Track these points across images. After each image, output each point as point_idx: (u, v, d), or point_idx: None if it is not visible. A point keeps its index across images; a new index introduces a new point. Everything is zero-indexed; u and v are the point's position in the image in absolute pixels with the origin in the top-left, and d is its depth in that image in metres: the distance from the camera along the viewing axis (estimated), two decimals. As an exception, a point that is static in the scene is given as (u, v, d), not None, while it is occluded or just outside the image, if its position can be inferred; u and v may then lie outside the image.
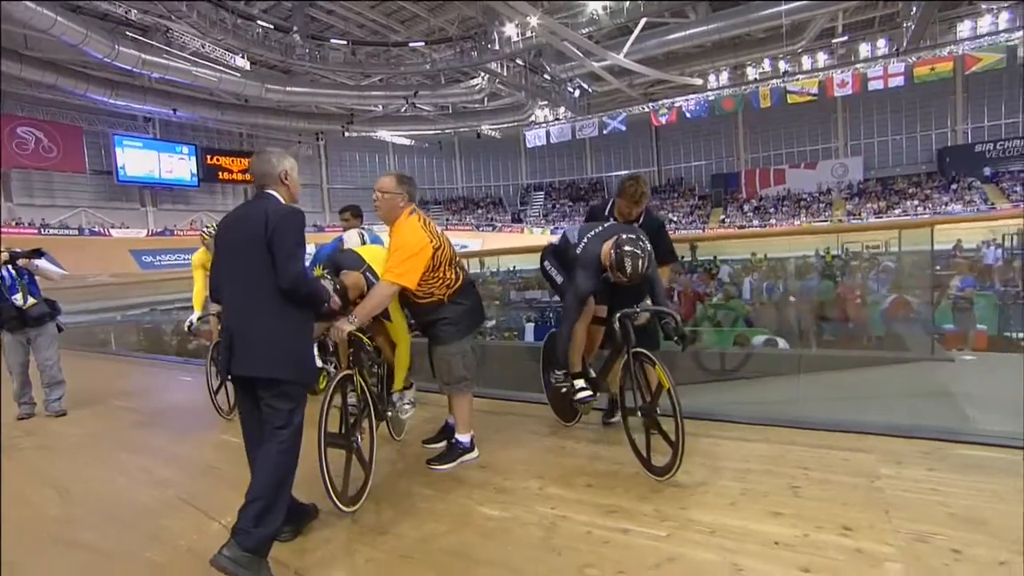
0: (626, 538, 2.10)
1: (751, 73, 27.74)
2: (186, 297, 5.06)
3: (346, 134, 36.03)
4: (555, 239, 3.43)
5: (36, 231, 25.86)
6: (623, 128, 31.89)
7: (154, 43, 22.93)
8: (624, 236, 2.75)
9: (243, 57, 25.19)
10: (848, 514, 2.14)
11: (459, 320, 2.93)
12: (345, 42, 26.66)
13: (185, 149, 32.93)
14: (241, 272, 2.14)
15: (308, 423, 2.21)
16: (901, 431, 2.94)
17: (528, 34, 22.97)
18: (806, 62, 27.10)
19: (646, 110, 31.24)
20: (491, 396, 4.27)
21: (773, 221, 31.72)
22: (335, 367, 3.64)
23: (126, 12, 20.84)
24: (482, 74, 27.79)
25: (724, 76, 27.94)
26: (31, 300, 4.57)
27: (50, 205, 28.27)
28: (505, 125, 35.02)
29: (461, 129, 36.23)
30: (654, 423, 2.66)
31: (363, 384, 2.70)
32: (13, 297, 4.50)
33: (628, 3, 21.53)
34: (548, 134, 33.08)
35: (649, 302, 2.96)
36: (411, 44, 26.56)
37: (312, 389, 3.32)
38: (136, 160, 30.68)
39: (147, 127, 31.56)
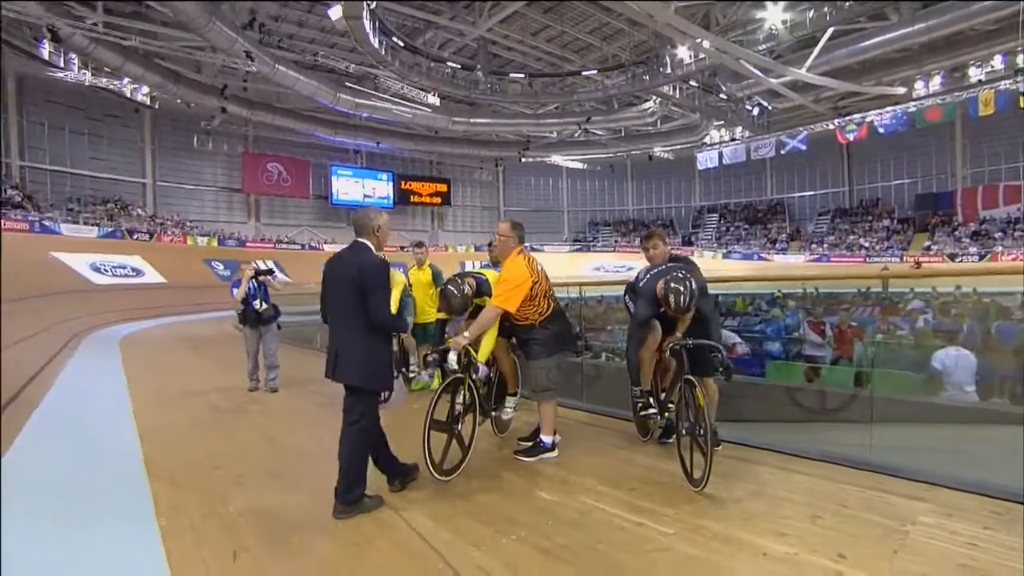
0: (639, 530, 2.56)
1: (974, 74, 23.62)
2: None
3: (522, 159, 38.55)
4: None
5: (272, 245, 32.11)
6: (802, 147, 29.32)
7: (365, 89, 27.39)
8: (672, 274, 3.25)
9: (434, 95, 28.70)
10: (852, 547, 2.33)
11: (547, 342, 3.60)
12: (523, 75, 28.81)
13: (385, 176, 38.15)
14: (341, 305, 2.96)
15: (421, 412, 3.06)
16: (987, 489, 2.86)
17: (701, 55, 22.67)
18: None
19: (830, 127, 28.40)
20: (593, 411, 4.81)
21: (999, 248, 26.47)
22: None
23: (346, 67, 25.33)
24: (654, 97, 27.92)
25: (936, 81, 24.24)
26: (264, 305, 6.28)
27: (282, 224, 34.88)
28: (678, 146, 34.49)
29: (633, 152, 36.51)
30: (695, 441, 3.04)
31: (472, 386, 3.50)
32: (254, 303, 6.23)
33: (812, 14, 20.08)
34: (720, 155, 31.73)
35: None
36: (584, 73, 27.76)
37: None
38: (346, 186, 36.45)
39: (356, 158, 37.32)
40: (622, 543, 2.44)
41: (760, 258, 33.76)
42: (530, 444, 3.72)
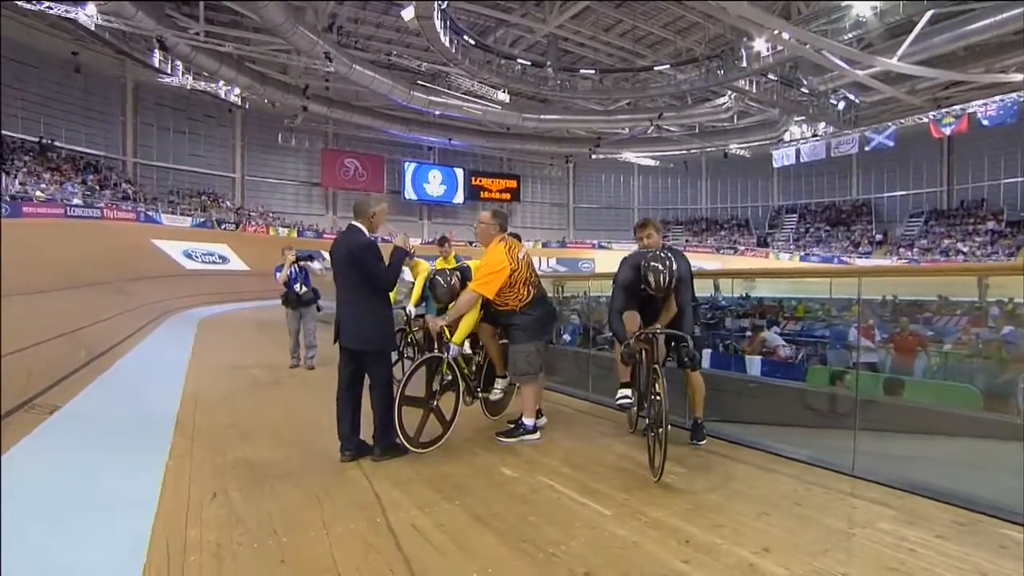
0: (579, 509, 2.64)
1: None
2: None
3: (593, 156, 38.26)
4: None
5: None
6: (890, 143, 27.06)
7: (437, 87, 28.23)
8: (652, 253, 3.31)
9: (504, 91, 29.08)
10: (783, 543, 2.29)
11: (527, 327, 3.71)
12: (593, 71, 28.59)
13: (457, 171, 39.07)
14: (342, 280, 3.40)
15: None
16: (955, 499, 2.70)
17: (780, 48, 21.57)
18: None
19: (923, 120, 26.02)
20: (598, 402, 4.87)
21: None
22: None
23: (419, 65, 26.23)
24: (729, 92, 26.86)
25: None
26: (304, 288, 6.77)
27: (356, 217, 36.66)
28: (755, 143, 32.95)
29: (708, 148, 35.30)
30: (655, 432, 3.07)
31: (452, 365, 3.69)
32: (295, 286, 6.73)
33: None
34: (797, 152, 29.95)
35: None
36: (656, 68, 27.14)
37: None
38: (418, 181, 37.66)
39: (429, 155, 38.47)
40: (554, 518, 2.53)
41: (840, 262, 31.62)
42: (512, 426, 3.86)
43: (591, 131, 35.43)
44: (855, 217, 34.32)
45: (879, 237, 32.47)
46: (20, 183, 20.48)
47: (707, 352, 8.92)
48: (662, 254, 3.30)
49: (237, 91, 26.88)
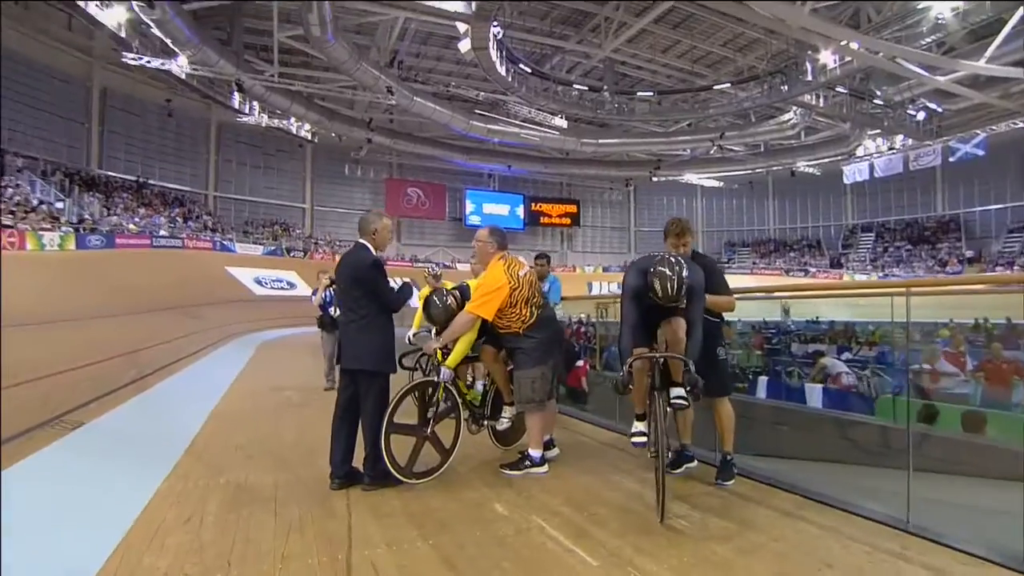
0: (563, 555, 2.35)
1: None
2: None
3: (653, 178, 37.54)
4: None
5: (410, 263, 34.62)
6: (979, 152, 24.76)
7: (495, 115, 28.75)
8: (660, 257, 2.91)
9: (561, 117, 29.17)
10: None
11: (531, 351, 3.46)
12: (651, 93, 28.21)
13: (516, 198, 39.39)
14: (345, 299, 3.32)
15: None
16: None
17: (848, 58, 20.43)
18: None
19: (1019, 125, 23.67)
20: (624, 432, 4.49)
21: None
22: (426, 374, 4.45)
23: (477, 95, 26.85)
24: (795, 108, 25.70)
25: None
26: (339, 311, 6.83)
27: (419, 244, 37.41)
28: (825, 160, 31.19)
29: (774, 167, 33.77)
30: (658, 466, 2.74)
31: (450, 390, 3.50)
32: (329, 309, 6.81)
33: None
34: (872, 168, 27.98)
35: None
36: (716, 87, 26.42)
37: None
38: (479, 208, 38.25)
39: (489, 181, 39.03)
40: (530, 565, 2.26)
41: (929, 285, 28.96)
42: (518, 457, 3.60)
43: (651, 153, 34.86)
44: (941, 234, 31.54)
45: (970, 254, 29.58)
46: (116, 217, 22.44)
47: (762, 380, 8.29)
48: (672, 259, 2.89)
49: (307, 127, 28.48)
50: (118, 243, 20.37)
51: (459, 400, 3.58)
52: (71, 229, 19.04)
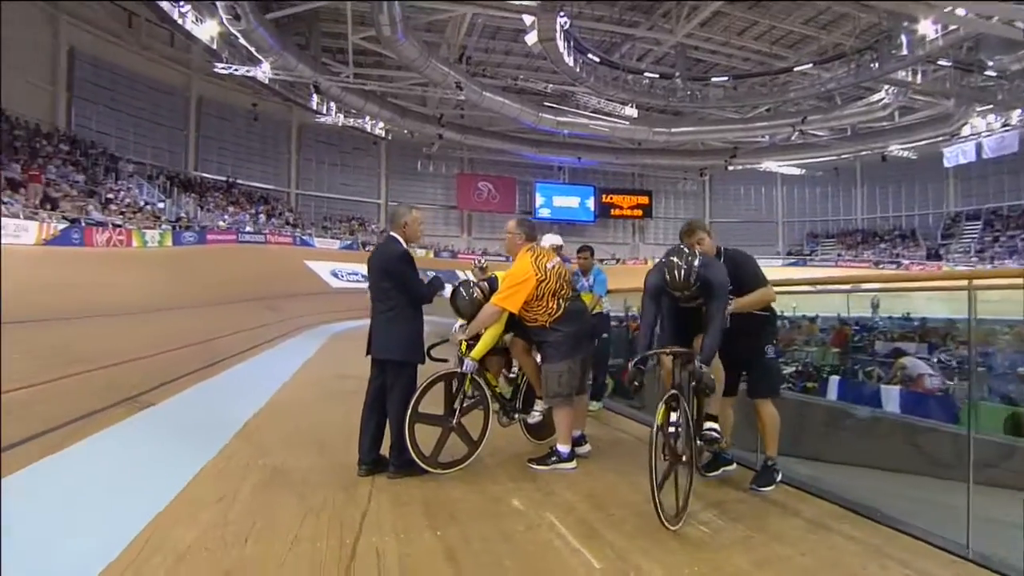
0: (569, 556, 2.29)
1: None
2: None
3: (729, 167, 35.91)
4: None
5: (479, 255, 35.12)
6: None
7: (564, 107, 28.51)
8: (673, 248, 2.94)
9: (632, 106, 28.47)
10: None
11: (559, 344, 3.41)
12: (726, 78, 26.90)
13: (586, 190, 38.93)
14: (375, 291, 3.38)
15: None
16: None
17: (953, 27, 18.49)
18: None
19: None
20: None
21: None
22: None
23: (545, 87, 26.73)
24: (887, 87, 23.66)
25: None
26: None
27: (490, 237, 37.81)
28: (923, 142, 28.48)
29: (863, 152, 31.32)
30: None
31: (479, 382, 3.51)
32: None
33: None
34: (979, 148, 25.18)
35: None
36: (797, 68, 24.80)
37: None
38: (549, 201, 38.12)
39: (559, 174, 38.78)
40: (531, 563, 2.23)
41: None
42: (546, 452, 3.55)
43: (726, 141, 33.32)
44: (1070, 222, 28.10)
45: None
46: (209, 214, 24.32)
47: (834, 380, 7.74)
48: (686, 249, 2.88)
49: (381, 125, 29.52)
50: (208, 239, 22.04)
51: (488, 393, 3.58)
52: (169, 227, 20.81)
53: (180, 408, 4.74)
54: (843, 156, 32.07)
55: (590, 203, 39.10)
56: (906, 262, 31.03)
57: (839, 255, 34.12)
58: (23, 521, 2.28)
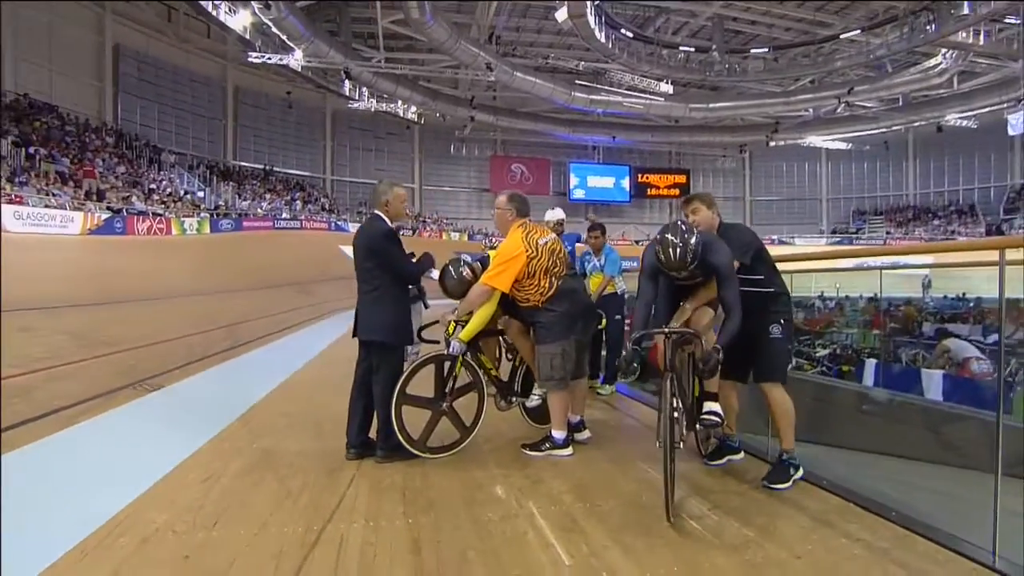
0: (539, 551, 2.16)
1: None
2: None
3: (771, 143, 34.52)
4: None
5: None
6: None
7: (598, 85, 27.84)
8: (668, 224, 2.73)
9: (667, 82, 27.58)
10: None
11: (551, 324, 3.25)
12: (766, 49, 25.69)
13: (622, 170, 38.13)
14: (360, 271, 3.27)
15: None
16: None
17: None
18: None
19: None
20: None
21: None
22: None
23: (577, 65, 26.12)
24: (944, 51, 22.09)
25: None
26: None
27: (524, 220, 37.70)
28: (984, 110, 26.54)
29: (916, 123, 29.49)
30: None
31: (471, 364, 3.40)
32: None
33: None
34: (1048, 115, 23.31)
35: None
36: (843, 35, 23.43)
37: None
38: (583, 181, 37.52)
39: (593, 154, 38.10)
40: (498, 557, 2.10)
41: None
42: (541, 438, 3.42)
43: (767, 116, 31.99)
44: None
45: None
46: (247, 203, 24.93)
47: (871, 363, 7.33)
48: (683, 226, 2.67)
49: (413, 108, 29.59)
50: (245, 226, 22.62)
51: (482, 375, 3.46)
52: (207, 215, 21.43)
53: (188, 391, 4.81)
54: (894, 128, 30.33)
55: (625, 183, 38.37)
56: (963, 239, 29.22)
57: (888, 233, 32.47)
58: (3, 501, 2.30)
